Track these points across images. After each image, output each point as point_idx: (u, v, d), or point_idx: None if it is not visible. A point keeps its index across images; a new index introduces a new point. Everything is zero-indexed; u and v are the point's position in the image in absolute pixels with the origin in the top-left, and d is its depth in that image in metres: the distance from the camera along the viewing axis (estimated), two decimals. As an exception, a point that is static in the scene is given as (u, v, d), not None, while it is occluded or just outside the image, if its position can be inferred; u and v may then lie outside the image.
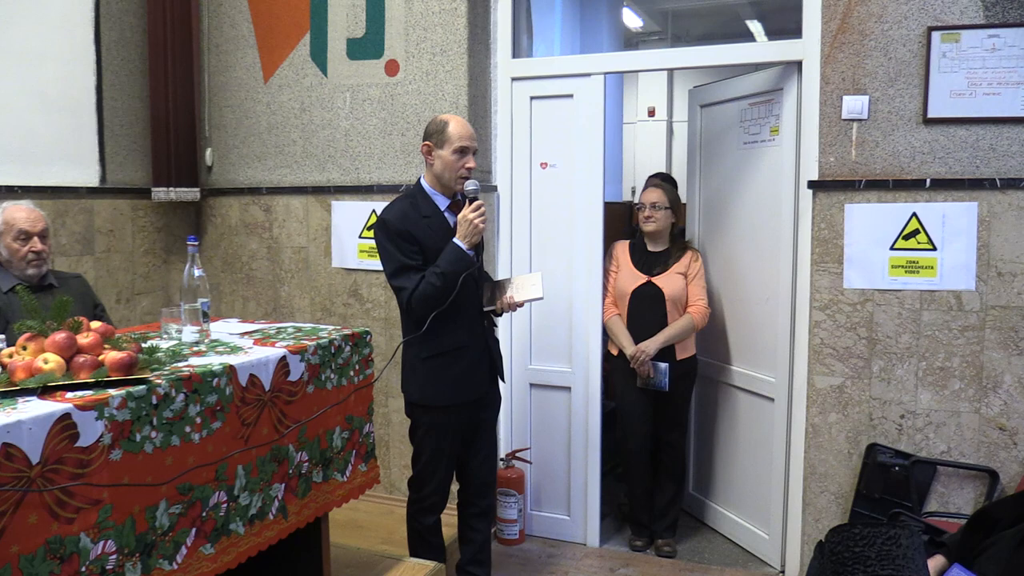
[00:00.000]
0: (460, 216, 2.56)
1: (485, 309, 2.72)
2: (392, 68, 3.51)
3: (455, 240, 2.55)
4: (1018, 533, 2.01)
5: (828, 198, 2.98)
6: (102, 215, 3.55)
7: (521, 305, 2.72)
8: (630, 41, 7.28)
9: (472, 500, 2.86)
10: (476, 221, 2.54)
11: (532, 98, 3.52)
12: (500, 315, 2.79)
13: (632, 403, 3.44)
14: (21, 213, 2.66)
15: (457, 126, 2.59)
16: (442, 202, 2.65)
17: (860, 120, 2.92)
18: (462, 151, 2.58)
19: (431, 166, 2.63)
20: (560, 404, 3.58)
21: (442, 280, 2.49)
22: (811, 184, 3.01)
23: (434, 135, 2.60)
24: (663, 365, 3.34)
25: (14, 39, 3.22)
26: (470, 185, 2.58)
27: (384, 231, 2.57)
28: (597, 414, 3.50)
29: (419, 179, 2.70)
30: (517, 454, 3.57)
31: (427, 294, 2.50)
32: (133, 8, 3.67)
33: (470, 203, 2.56)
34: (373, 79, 3.55)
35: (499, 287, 2.75)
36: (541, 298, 2.72)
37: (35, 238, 2.66)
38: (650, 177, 4.63)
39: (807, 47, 3.03)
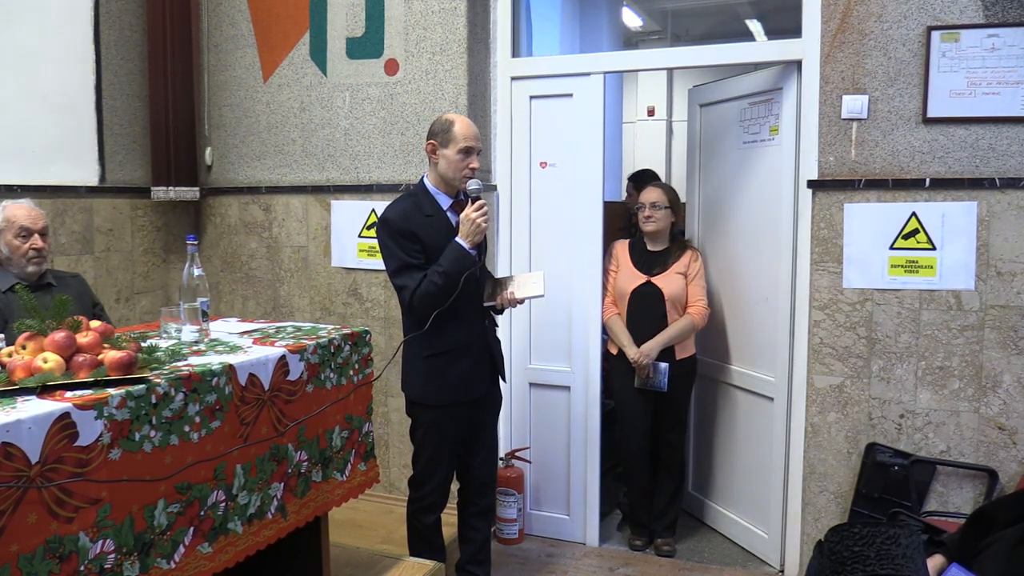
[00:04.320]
0: (463, 215, 2.56)
1: (485, 304, 2.71)
2: (392, 67, 3.51)
3: (457, 239, 2.55)
4: (1017, 532, 2.02)
5: (827, 198, 2.98)
6: (101, 214, 3.55)
7: (521, 302, 2.72)
8: (630, 40, 7.28)
9: (472, 499, 2.86)
10: (479, 220, 2.54)
11: (532, 97, 3.52)
12: (500, 312, 2.79)
13: (631, 402, 3.44)
14: (22, 211, 2.67)
15: (463, 126, 2.59)
16: (445, 201, 2.65)
17: (859, 120, 2.93)
18: (467, 151, 2.58)
19: (435, 165, 2.63)
20: (560, 403, 3.58)
21: (444, 279, 2.49)
22: (811, 184, 3.01)
23: (439, 134, 2.60)
24: (663, 365, 3.34)
25: (14, 39, 3.22)
26: (473, 184, 2.58)
27: (386, 229, 2.58)
28: (597, 413, 3.50)
29: (422, 178, 2.69)
30: (516, 453, 3.57)
31: (429, 293, 2.50)
32: (133, 8, 3.67)
33: (473, 202, 2.56)
34: (372, 78, 3.55)
35: (500, 283, 2.75)
36: (542, 295, 2.72)
37: (36, 235, 2.66)
38: (631, 176, 4.63)
39: (807, 47, 3.03)
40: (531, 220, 3.57)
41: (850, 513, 2.97)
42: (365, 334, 2.48)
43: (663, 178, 6.43)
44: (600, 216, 3.44)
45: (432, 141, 2.61)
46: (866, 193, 2.93)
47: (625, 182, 5.00)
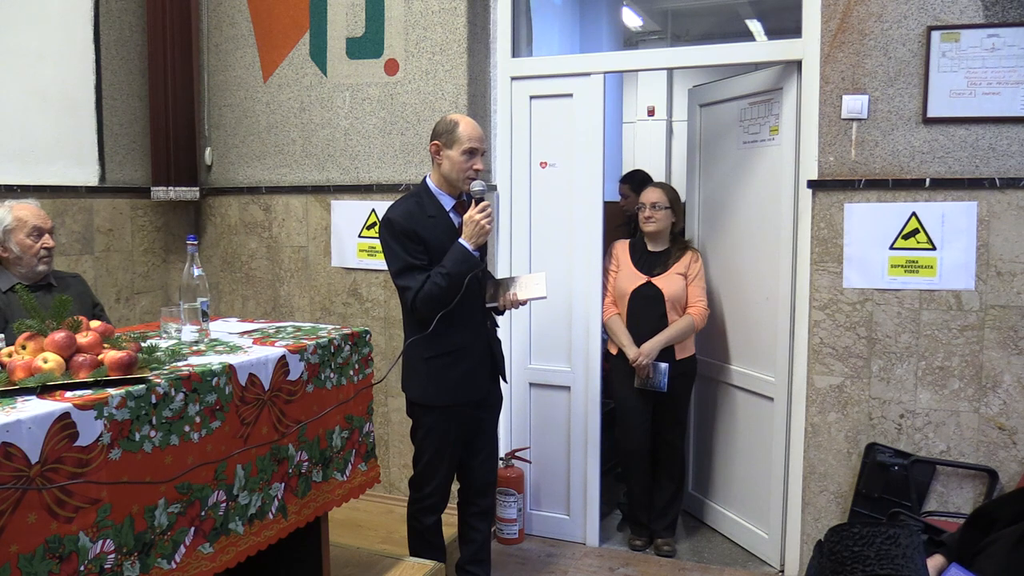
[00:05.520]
0: (466, 217, 2.55)
1: (488, 306, 2.71)
2: (392, 67, 3.51)
3: (461, 240, 2.55)
4: (1016, 532, 2.02)
5: (827, 197, 2.98)
6: (101, 214, 3.55)
7: (524, 303, 2.72)
8: (630, 40, 7.28)
9: (472, 500, 2.86)
10: (483, 222, 2.53)
11: (532, 97, 3.52)
12: (502, 313, 2.79)
13: (631, 402, 3.44)
14: (31, 210, 2.67)
15: (467, 127, 2.58)
16: (447, 202, 2.65)
17: (860, 120, 2.92)
18: (471, 152, 2.58)
19: (439, 166, 2.62)
20: (560, 403, 3.58)
21: (447, 281, 2.49)
22: (811, 184, 3.01)
23: (444, 135, 2.59)
24: (663, 365, 3.34)
25: (14, 39, 3.21)
26: (477, 186, 2.58)
27: (390, 230, 2.57)
28: (597, 413, 3.50)
29: (424, 178, 2.69)
30: (517, 453, 3.57)
31: (432, 294, 2.49)
32: (133, 8, 3.67)
33: (476, 204, 2.56)
34: (372, 78, 3.55)
35: (502, 285, 2.75)
36: (544, 297, 2.72)
37: (47, 234, 2.67)
38: (623, 177, 4.62)
39: (807, 46, 3.03)
40: (531, 220, 3.56)
41: (850, 513, 2.97)
42: (365, 334, 2.48)
43: (663, 178, 6.41)
44: (600, 216, 3.44)
45: (436, 142, 2.61)
46: (866, 193, 2.93)
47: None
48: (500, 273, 3.52)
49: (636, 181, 4.36)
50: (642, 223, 3.47)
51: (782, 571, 3.29)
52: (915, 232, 2.89)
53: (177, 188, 3.73)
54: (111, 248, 3.61)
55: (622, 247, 3.54)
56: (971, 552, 2.10)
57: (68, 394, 1.60)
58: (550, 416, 3.61)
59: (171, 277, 3.87)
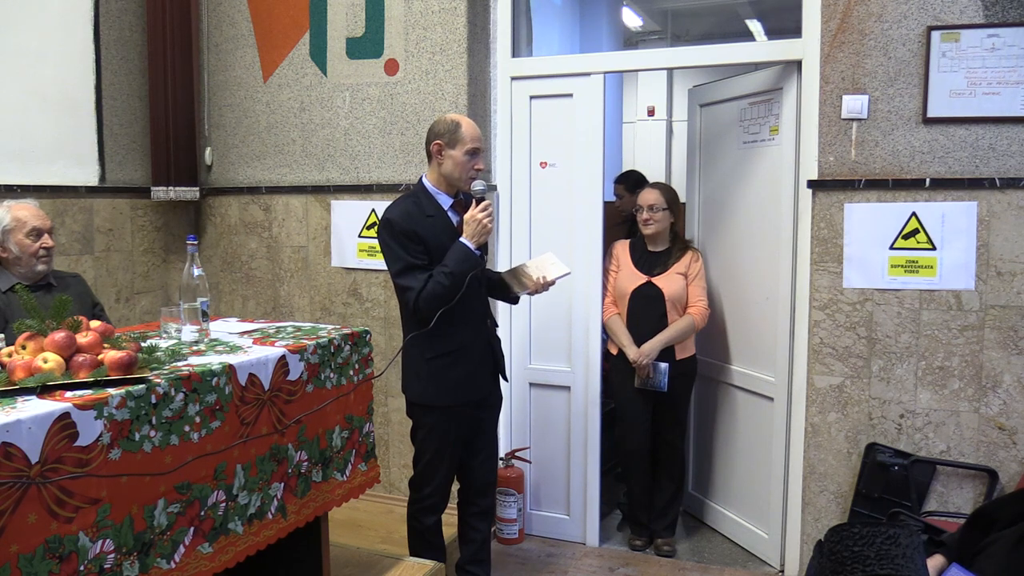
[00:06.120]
0: (468, 216, 2.56)
1: (519, 294, 2.73)
2: (391, 67, 3.51)
3: (462, 239, 2.55)
4: (1016, 532, 2.02)
5: (827, 197, 2.98)
6: (101, 214, 3.55)
7: (553, 283, 2.72)
8: (630, 40, 7.27)
9: (472, 500, 2.86)
10: (484, 221, 2.54)
11: (532, 97, 3.52)
12: (516, 302, 2.81)
13: (631, 402, 3.44)
14: (30, 211, 2.67)
15: (469, 127, 2.59)
16: (445, 201, 2.65)
17: (860, 120, 2.92)
18: (474, 152, 2.59)
19: (440, 165, 2.62)
20: (560, 403, 3.58)
21: (450, 279, 2.49)
22: (811, 184, 3.01)
23: (445, 134, 2.59)
24: (663, 365, 3.34)
25: (14, 39, 3.21)
26: (478, 185, 2.59)
27: (389, 231, 2.57)
28: (596, 413, 3.50)
29: (421, 178, 2.69)
30: (516, 453, 3.57)
31: (435, 293, 2.50)
32: (133, 7, 3.67)
33: (477, 203, 2.56)
34: (372, 78, 3.55)
35: (520, 272, 2.74)
36: (569, 272, 2.73)
37: (46, 234, 2.67)
38: (618, 178, 4.61)
39: (807, 46, 3.03)
40: (531, 220, 3.56)
41: (850, 513, 2.97)
42: (365, 334, 2.48)
43: (663, 178, 6.40)
44: (600, 216, 3.44)
45: (438, 142, 2.60)
46: (866, 193, 2.93)
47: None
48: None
49: (631, 181, 4.36)
50: (641, 225, 3.46)
51: (782, 571, 3.29)
52: (915, 232, 2.89)
53: (177, 188, 3.73)
54: (111, 248, 3.61)
55: (622, 247, 3.54)
56: (971, 552, 2.10)
57: (68, 394, 1.60)
58: (550, 416, 3.60)
59: (171, 277, 3.87)
